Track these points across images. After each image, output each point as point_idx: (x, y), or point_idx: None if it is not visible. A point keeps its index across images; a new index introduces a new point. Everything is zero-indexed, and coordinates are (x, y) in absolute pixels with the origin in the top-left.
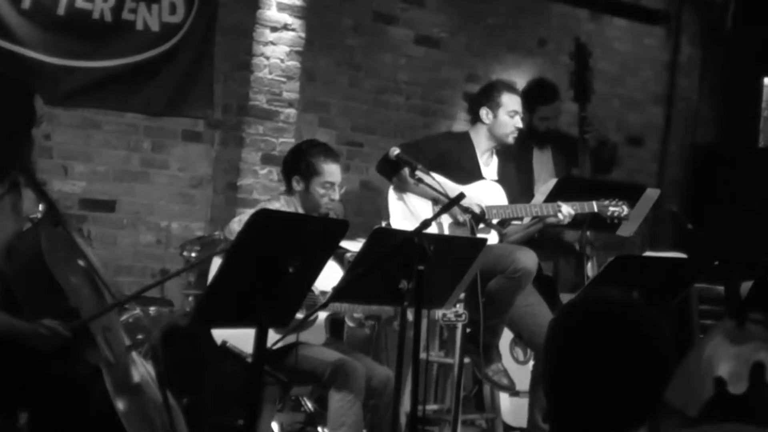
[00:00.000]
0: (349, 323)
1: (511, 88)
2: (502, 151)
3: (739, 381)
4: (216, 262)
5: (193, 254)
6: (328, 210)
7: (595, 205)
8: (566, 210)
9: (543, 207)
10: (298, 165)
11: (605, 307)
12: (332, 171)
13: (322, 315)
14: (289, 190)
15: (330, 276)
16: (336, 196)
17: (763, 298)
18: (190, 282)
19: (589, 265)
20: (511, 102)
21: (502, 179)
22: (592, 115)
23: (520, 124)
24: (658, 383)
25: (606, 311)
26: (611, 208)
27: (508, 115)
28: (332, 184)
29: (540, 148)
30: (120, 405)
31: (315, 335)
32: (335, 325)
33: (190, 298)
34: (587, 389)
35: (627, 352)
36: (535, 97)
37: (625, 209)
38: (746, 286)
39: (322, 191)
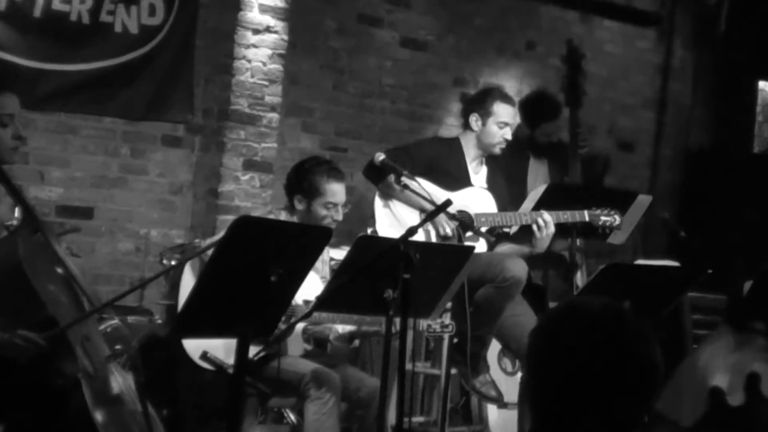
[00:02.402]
0: (335, 343)
1: (505, 97)
2: (495, 157)
3: (736, 392)
4: (188, 273)
5: (173, 262)
6: None
7: (586, 215)
8: (547, 219)
9: (522, 216)
10: (301, 184)
11: (586, 314)
12: (336, 191)
13: (299, 325)
14: (291, 208)
15: (310, 285)
16: (339, 216)
17: (761, 305)
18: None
19: (579, 273)
20: (502, 112)
21: (492, 187)
22: (584, 127)
23: (509, 136)
24: (644, 393)
25: (587, 318)
26: (603, 218)
27: (497, 126)
28: (335, 204)
29: (536, 157)
30: (98, 416)
31: (293, 345)
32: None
33: (156, 317)
34: (570, 399)
35: (609, 361)
36: (538, 112)
37: (617, 219)
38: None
39: (324, 212)
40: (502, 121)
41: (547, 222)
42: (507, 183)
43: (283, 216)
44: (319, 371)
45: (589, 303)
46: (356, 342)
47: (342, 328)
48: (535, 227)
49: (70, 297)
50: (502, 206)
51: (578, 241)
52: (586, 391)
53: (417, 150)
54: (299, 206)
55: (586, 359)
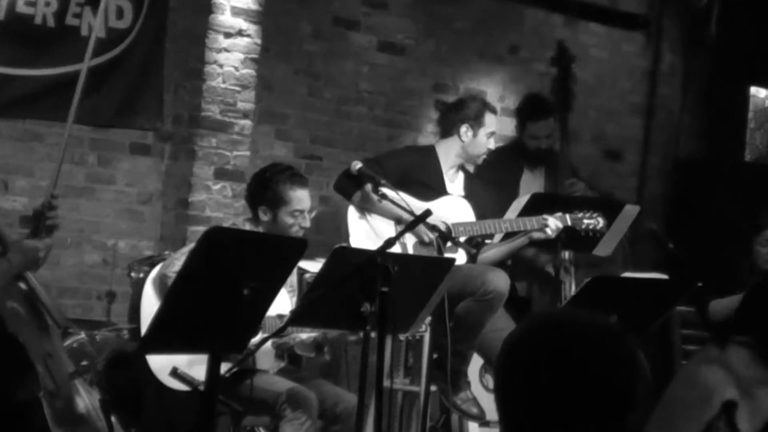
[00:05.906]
0: (299, 352)
1: (491, 106)
2: (486, 165)
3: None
4: (148, 291)
5: (141, 275)
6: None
7: (568, 218)
8: (554, 223)
9: (527, 221)
10: (265, 194)
11: (568, 326)
12: (301, 198)
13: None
14: (256, 219)
15: (283, 298)
16: (307, 223)
17: (750, 319)
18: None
19: (567, 286)
20: (491, 122)
21: (470, 195)
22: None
23: (492, 145)
24: (629, 410)
25: (569, 331)
26: (585, 221)
27: (486, 136)
28: (302, 211)
29: (531, 169)
30: None
31: (263, 360)
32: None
33: (124, 332)
34: (545, 416)
35: (590, 377)
36: (525, 112)
37: (601, 221)
38: (730, 303)
39: (291, 221)
40: (491, 131)
41: (559, 227)
42: (495, 191)
43: (248, 228)
44: (296, 391)
45: (572, 315)
46: (325, 350)
47: (306, 336)
48: (549, 232)
49: (32, 313)
50: (482, 215)
51: (566, 254)
52: (564, 408)
53: (389, 160)
54: (264, 217)
55: (564, 374)
